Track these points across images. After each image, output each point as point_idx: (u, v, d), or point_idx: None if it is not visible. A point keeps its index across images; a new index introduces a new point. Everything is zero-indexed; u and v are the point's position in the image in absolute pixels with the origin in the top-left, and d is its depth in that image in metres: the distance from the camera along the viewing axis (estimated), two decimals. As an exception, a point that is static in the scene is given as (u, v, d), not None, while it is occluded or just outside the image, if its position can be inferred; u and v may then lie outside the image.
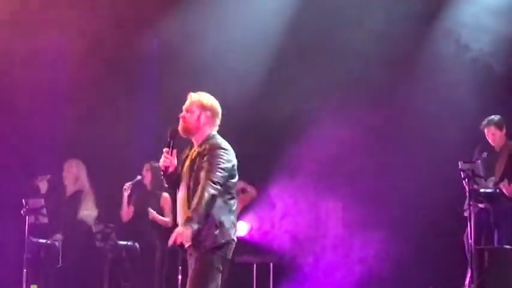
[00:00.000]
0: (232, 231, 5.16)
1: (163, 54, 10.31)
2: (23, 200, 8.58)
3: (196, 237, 4.99)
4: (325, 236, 9.55)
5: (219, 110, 5.38)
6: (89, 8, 9.53)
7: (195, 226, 4.92)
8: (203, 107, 5.35)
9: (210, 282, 5.03)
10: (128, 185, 8.85)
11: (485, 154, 7.99)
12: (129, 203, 8.91)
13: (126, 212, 8.92)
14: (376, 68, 9.21)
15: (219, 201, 5.07)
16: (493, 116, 8.15)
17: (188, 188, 5.18)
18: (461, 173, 7.65)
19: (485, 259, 7.37)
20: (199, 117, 5.32)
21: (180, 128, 5.31)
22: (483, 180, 7.76)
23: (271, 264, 9.29)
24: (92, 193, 9.11)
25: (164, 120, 9.63)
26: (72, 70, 9.94)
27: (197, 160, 5.19)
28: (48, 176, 9.16)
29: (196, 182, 5.09)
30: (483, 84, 8.88)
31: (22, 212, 8.52)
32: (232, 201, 5.18)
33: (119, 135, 9.62)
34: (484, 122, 8.16)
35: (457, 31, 9.22)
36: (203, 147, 5.22)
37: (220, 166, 5.08)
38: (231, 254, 5.19)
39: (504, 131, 8.13)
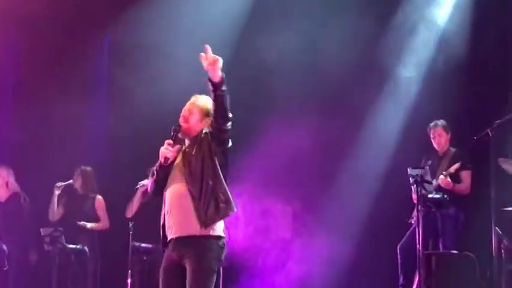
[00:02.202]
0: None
1: (114, 53, 10.24)
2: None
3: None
4: (275, 240, 9.58)
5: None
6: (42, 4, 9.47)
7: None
8: (206, 113, 5.31)
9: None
10: (59, 184, 8.80)
11: (429, 162, 8.14)
12: (58, 204, 8.87)
13: (56, 212, 8.85)
14: (326, 77, 9.29)
15: (223, 179, 5.15)
16: (440, 120, 8.29)
17: (187, 182, 5.12)
18: (410, 178, 7.75)
19: (433, 264, 7.49)
20: (199, 120, 5.30)
21: (183, 126, 5.27)
22: (431, 186, 7.87)
23: (221, 268, 9.27)
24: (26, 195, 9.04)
25: (114, 120, 9.67)
26: (18, 68, 9.85)
27: (196, 149, 5.19)
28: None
29: (196, 170, 5.11)
30: (434, 86, 9.02)
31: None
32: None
33: (67, 136, 9.55)
34: (431, 124, 8.29)
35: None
36: (198, 138, 5.24)
37: None
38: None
39: (449, 135, 8.27)
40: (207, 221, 5.04)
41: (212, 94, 5.00)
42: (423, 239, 7.48)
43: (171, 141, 5.20)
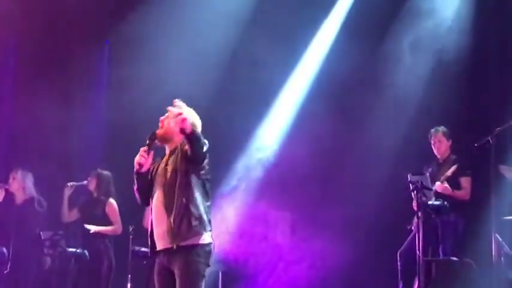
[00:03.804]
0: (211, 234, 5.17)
1: (114, 54, 10.24)
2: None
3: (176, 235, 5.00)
4: (273, 247, 9.58)
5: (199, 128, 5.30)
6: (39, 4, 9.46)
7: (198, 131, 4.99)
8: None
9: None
10: (71, 183, 8.77)
11: (430, 169, 8.15)
12: (69, 205, 8.83)
13: (67, 213, 8.83)
14: (326, 82, 9.31)
15: (198, 197, 5.09)
16: (441, 126, 8.30)
17: (163, 195, 5.12)
18: (410, 185, 7.74)
19: (433, 270, 7.50)
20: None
21: (158, 133, 5.25)
22: (432, 192, 7.87)
23: (220, 273, 9.27)
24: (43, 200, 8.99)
25: (116, 124, 9.67)
26: (18, 70, 9.86)
27: (172, 162, 5.16)
28: (6, 185, 8.93)
29: (171, 185, 5.08)
30: (434, 92, 9.01)
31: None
32: (208, 203, 5.18)
33: (70, 139, 9.56)
34: (432, 130, 8.29)
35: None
36: (176, 150, 5.19)
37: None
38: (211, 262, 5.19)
39: (450, 142, 8.26)
40: (177, 239, 5.05)
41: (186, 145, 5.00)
42: (423, 245, 7.47)
43: (145, 148, 5.21)
